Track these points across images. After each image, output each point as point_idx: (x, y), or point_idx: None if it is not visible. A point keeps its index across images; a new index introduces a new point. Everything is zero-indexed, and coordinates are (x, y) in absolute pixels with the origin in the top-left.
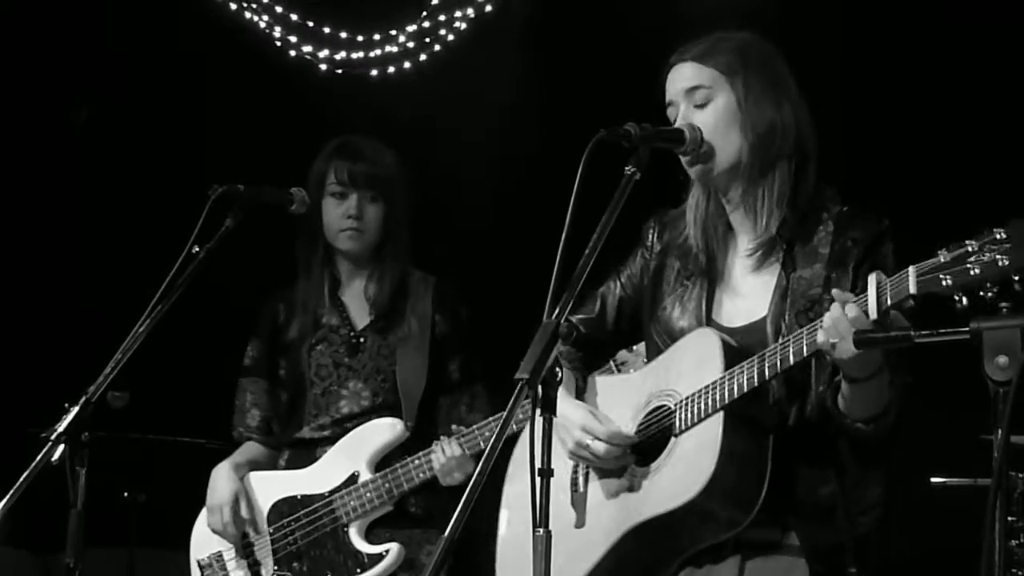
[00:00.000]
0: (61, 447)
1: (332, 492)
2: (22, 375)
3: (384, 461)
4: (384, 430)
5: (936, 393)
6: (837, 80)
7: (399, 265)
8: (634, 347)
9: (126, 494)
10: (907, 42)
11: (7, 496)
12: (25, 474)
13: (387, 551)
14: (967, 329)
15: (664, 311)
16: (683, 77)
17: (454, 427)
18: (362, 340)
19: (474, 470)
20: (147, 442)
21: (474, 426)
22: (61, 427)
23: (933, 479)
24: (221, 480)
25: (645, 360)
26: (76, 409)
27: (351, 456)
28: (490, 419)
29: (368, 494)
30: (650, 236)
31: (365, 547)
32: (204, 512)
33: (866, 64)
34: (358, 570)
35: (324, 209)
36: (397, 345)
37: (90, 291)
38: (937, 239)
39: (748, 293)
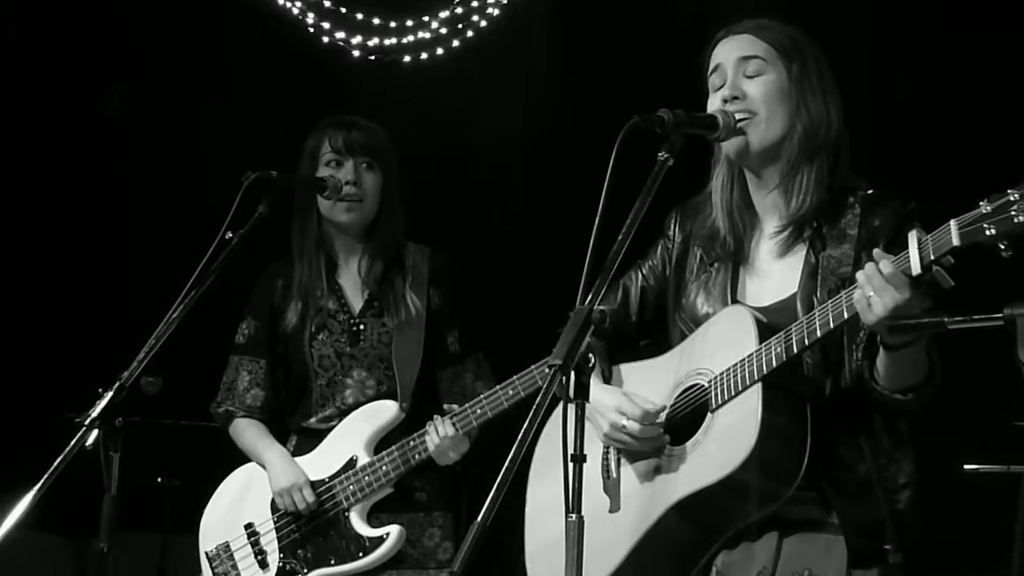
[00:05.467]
0: (95, 432)
1: (332, 478)
2: (56, 360)
3: (383, 443)
4: (379, 413)
5: (970, 379)
6: (865, 68)
7: (394, 240)
8: None
9: (160, 479)
10: (933, 32)
11: (41, 481)
12: (59, 459)
13: (388, 534)
14: (1000, 315)
15: (688, 299)
16: (738, 46)
17: (446, 406)
18: (362, 327)
19: (468, 449)
20: (180, 428)
21: (466, 405)
22: (95, 412)
23: (966, 465)
24: (284, 464)
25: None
26: (110, 394)
27: (349, 441)
28: (480, 397)
29: (367, 477)
30: (672, 226)
31: (366, 531)
32: (212, 503)
33: (893, 52)
34: (360, 554)
35: None
36: (395, 328)
37: (124, 277)
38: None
39: (775, 274)
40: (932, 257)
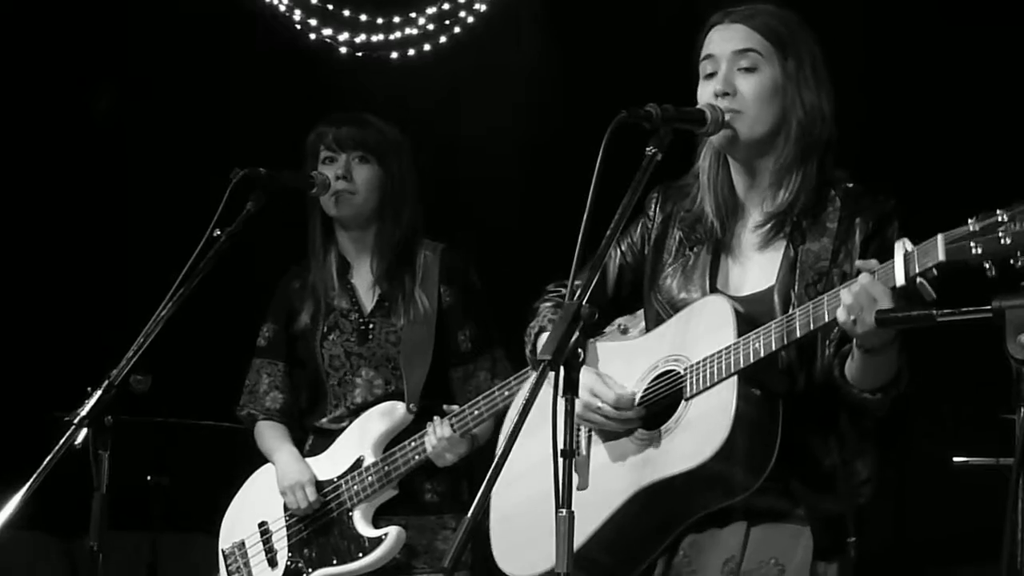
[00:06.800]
0: (84, 431)
1: (339, 477)
2: (45, 359)
3: (393, 444)
4: (387, 414)
5: (958, 372)
6: (857, 62)
7: (401, 234)
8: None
9: (149, 478)
10: (924, 27)
11: (31, 480)
12: (48, 458)
13: (386, 534)
14: (989, 308)
15: (666, 280)
16: (733, 37)
17: (445, 407)
18: (371, 326)
19: (466, 451)
20: (170, 426)
21: (464, 406)
22: (84, 411)
23: (955, 458)
24: (291, 462)
25: (644, 327)
26: (99, 393)
27: (357, 442)
28: (478, 398)
29: (369, 478)
30: (653, 205)
31: (367, 531)
32: (234, 502)
33: (883, 48)
34: (360, 554)
35: None
36: (403, 327)
37: (112, 275)
38: (943, 222)
39: (754, 265)
40: (917, 270)
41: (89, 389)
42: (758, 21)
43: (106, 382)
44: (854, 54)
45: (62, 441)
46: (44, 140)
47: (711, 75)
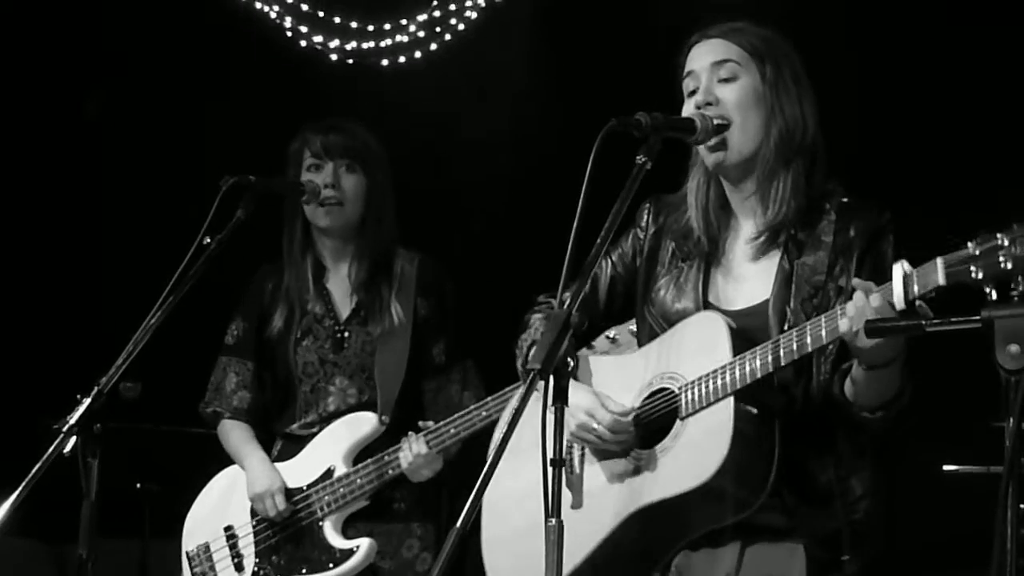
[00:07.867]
0: (73, 438)
1: (309, 487)
2: (35, 366)
3: (364, 454)
4: (358, 425)
5: (948, 381)
6: (849, 74)
7: (381, 243)
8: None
9: (139, 485)
10: (915, 38)
11: (20, 487)
12: (38, 465)
13: (358, 546)
14: (979, 318)
15: (658, 292)
16: (710, 50)
17: (421, 423)
18: (346, 335)
19: (441, 467)
20: (159, 433)
21: (440, 423)
22: (73, 418)
23: (945, 466)
24: (262, 469)
25: (633, 334)
26: (88, 400)
27: (328, 450)
28: (455, 416)
29: (341, 489)
30: (645, 217)
31: (338, 542)
32: (196, 503)
33: (876, 58)
34: (331, 565)
35: None
36: (378, 338)
37: (102, 282)
38: (938, 233)
39: (748, 277)
40: (916, 293)
41: (79, 396)
42: (735, 35)
43: (96, 389)
44: (846, 64)
45: (51, 449)
46: (35, 145)
47: (693, 92)
